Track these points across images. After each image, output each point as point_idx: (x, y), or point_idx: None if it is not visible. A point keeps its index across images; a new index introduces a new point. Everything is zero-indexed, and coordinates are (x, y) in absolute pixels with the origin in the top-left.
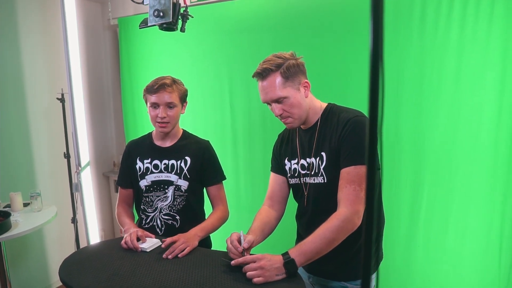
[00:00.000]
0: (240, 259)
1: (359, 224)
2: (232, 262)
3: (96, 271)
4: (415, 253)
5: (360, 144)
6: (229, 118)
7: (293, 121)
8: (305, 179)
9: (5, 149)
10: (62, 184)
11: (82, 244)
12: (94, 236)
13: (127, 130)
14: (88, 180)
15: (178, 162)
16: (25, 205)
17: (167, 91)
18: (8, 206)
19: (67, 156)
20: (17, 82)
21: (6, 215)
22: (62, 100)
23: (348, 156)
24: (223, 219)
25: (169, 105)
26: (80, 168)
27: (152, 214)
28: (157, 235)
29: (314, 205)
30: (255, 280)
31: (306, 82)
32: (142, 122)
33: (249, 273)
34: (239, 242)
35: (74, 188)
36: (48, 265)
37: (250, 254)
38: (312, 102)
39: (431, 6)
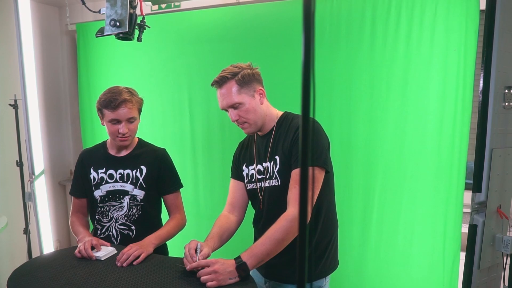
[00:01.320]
0: (194, 264)
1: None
2: (188, 267)
3: (47, 280)
4: (367, 256)
5: (310, 146)
6: (188, 126)
7: (249, 126)
8: (261, 184)
9: None
10: (13, 193)
11: (35, 256)
12: (48, 247)
13: (85, 137)
14: (42, 189)
15: (134, 171)
16: None
17: (127, 107)
18: None
19: (19, 164)
20: None
21: None
22: (15, 106)
23: (297, 158)
24: (180, 227)
25: (130, 120)
26: (33, 177)
27: (108, 224)
28: (112, 245)
29: (269, 209)
30: (209, 284)
31: (261, 89)
32: (100, 130)
33: (203, 278)
34: (196, 251)
35: (27, 197)
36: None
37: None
38: (268, 110)
39: (380, 19)
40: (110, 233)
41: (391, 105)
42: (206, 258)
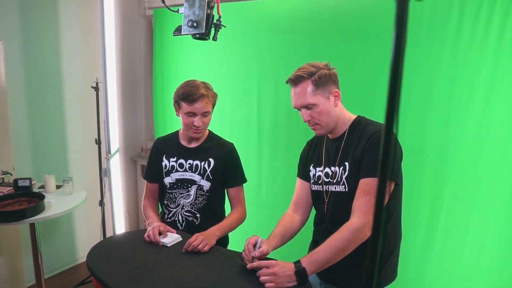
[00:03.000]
0: (255, 264)
1: (369, 235)
2: (248, 265)
3: (120, 262)
4: (429, 266)
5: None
6: (255, 118)
7: (320, 128)
8: (328, 187)
9: (41, 132)
10: (92, 168)
11: (108, 225)
12: (119, 218)
13: (156, 118)
14: (116, 166)
15: (202, 163)
16: (58, 187)
17: (204, 101)
18: (42, 187)
19: (98, 142)
20: (56, 70)
21: (41, 197)
22: (96, 88)
23: (368, 167)
24: (241, 220)
25: (204, 114)
26: (110, 155)
27: (175, 210)
28: (178, 230)
29: (334, 213)
30: (268, 285)
31: (337, 91)
32: (171, 112)
33: (262, 278)
34: (255, 246)
35: (103, 173)
36: (75, 242)
37: (267, 259)
38: (341, 113)
39: (468, 18)
40: (176, 219)
41: (472, 110)
42: (264, 255)
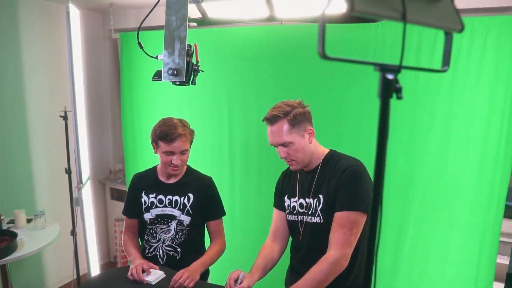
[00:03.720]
0: None
1: (346, 266)
2: None
3: None
4: (398, 283)
5: (355, 191)
6: (226, 140)
7: (296, 163)
8: (302, 217)
9: (5, 165)
10: (62, 198)
11: (81, 254)
12: (92, 246)
13: (126, 140)
14: (87, 192)
15: (182, 198)
16: (28, 221)
17: (182, 140)
18: (12, 222)
19: (68, 172)
20: (19, 99)
21: (12, 235)
22: (65, 117)
23: (342, 201)
24: (221, 252)
25: (183, 152)
26: (81, 184)
27: (155, 245)
28: (159, 265)
29: (309, 242)
30: None
31: (311, 129)
32: (140, 134)
33: None
34: (236, 282)
35: (74, 202)
36: (45, 269)
37: None
38: (315, 148)
39: (426, 48)
40: (157, 253)
41: (433, 135)
42: None
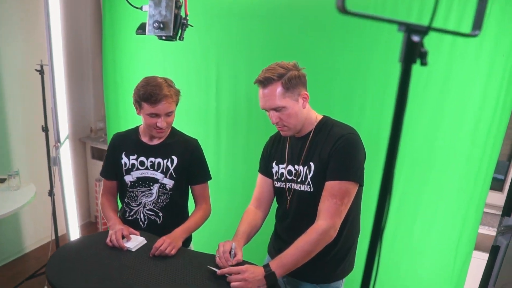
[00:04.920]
0: (226, 270)
1: (335, 236)
2: (218, 272)
3: (84, 272)
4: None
5: (348, 160)
6: (213, 101)
7: (288, 129)
8: (291, 185)
9: None
10: (38, 157)
11: (59, 215)
12: (71, 207)
13: (107, 97)
14: (66, 151)
15: (165, 161)
16: (1, 181)
17: (167, 102)
18: None
19: (45, 129)
20: None
21: None
22: (41, 72)
23: (335, 170)
24: (206, 218)
25: (168, 114)
26: (59, 144)
27: (136, 208)
28: (140, 230)
29: (297, 210)
30: None
31: (306, 94)
32: (123, 91)
33: (233, 284)
34: (230, 253)
35: (52, 162)
36: (22, 231)
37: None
38: (308, 113)
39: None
40: (138, 217)
41: (428, 102)
42: (239, 263)
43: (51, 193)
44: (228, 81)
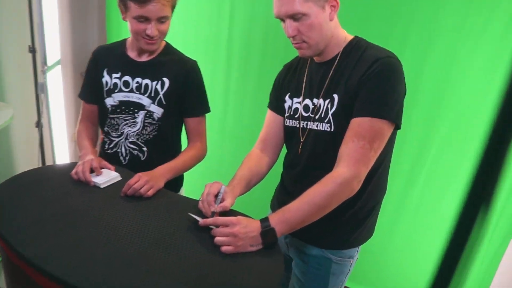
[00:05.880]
0: (210, 220)
1: (357, 190)
2: (200, 222)
3: (31, 208)
4: (403, 220)
5: (384, 92)
6: (225, 33)
7: (307, 47)
8: (306, 123)
9: None
10: (26, 82)
11: (47, 149)
12: (62, 142)
13: (110, 29)
14: (58, 81)
15: (154, 83)
16: None
17: (160, 3)
18: None
19: (32, 50)
20: None
21: None
22: None
23: (365, 103)
24: (199, 158)
25: (161, 20)
26: (46, 67)
27: (117, 140)
28: (119, 165)
29: (310, 156)
30: (224, 248)
31: (335, 0)
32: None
33: (217, 239)
34: (217, 197)
35: (39, 88)
36: (14, 166)
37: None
38: (336, 29)
39: None
40: (118, 150)
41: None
42: (226, 210)
43: (38, 124)
44: (244, 8)
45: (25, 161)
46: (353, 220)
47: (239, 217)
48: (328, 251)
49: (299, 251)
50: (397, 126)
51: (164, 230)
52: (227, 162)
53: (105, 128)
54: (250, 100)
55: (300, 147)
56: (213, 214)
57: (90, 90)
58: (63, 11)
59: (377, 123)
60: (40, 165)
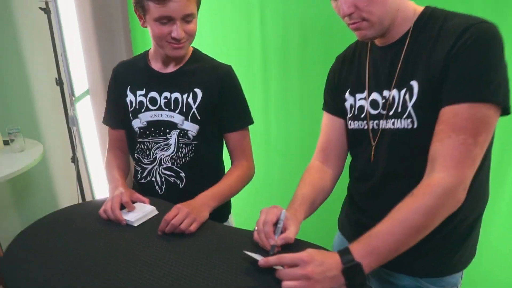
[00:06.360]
0: (273, 259)
1: (464, 199)
2: (260, 261)
3: (52, 254)
4: None
5: (484, 67)
6: (258, 36)
7: (369, 26)
8: (377, 123)
9: None
10: (57, 118)
11: (85, 184)
12: (98, 175)
13: (136, 46)
14: (88, 111)
15: (185, 96)
16: (5, 143)
17: None
18: None
19: (59, 82)
20: None
21: None
22: (47, 10)
23: (460, 85)
24: (246, 179)
25: (187, 19)
26: (74, 98)
27: (150, 167)
28: (156, 195)
29: (389, 164)
30: None
31: None
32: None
33: (286, 284)
34: (277, 226)
35: (70, 122)
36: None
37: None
38: (402, 1)
39: None
40: (152, 179)
41: None
42: (290, 243)
43: (74, 159)
44: (275, 5)
45: (66, 197)
46: (454, 237)
47: (310, 250)
48: (425, 279)
49: (384, 281)
50: (506, 111)
51: (216, 276)
52: (276, 181)
53: (136, 155)
54: (294, 106)
55: (373, 153)
56: (273, 248)
57: (114, 114)
58: (87, 38)
59: (479, 110)
60: (80, 201)
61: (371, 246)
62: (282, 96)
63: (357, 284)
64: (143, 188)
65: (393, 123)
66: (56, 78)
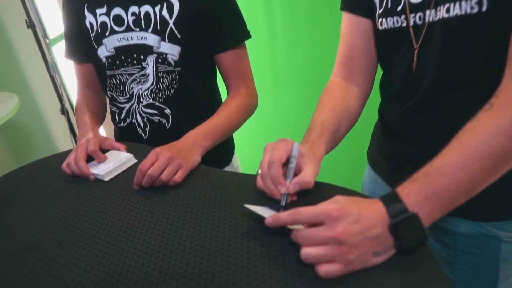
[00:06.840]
0: (285, 217)
1: None
2: (268, 219)
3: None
4: None
5: None
6: None
7: None
8: (421, 16)
9: None
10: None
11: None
12: None
13: None
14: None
15: (157, 8)
16: None
17: None
18: None
19: (30, 24)
20: None
21: None
22: None
23: None
24: (247, 110)
25: None
26: (48, 41)
27: (127, 106)
28: (139, 139)
29: (438, 72)
30: (324, 270)
31: None
32: None
33: (307, 252)
34: (288, 167)
35: (51, 69)
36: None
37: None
38: None
39: None
40: (133, 120)
41: None
42: (308, 188)
43: (63, 111)
44: None
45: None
46: None
47: (339, 198)
48: (490, 224)
49: (438, 228)
50: None
51: (208, 242)
52: (284, 117)
53: (109, 93)
54: (303, 34)
55: (415, 60)
56: (285, 198)
57: (76, 44)
58: None
59: None
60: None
61: (432, 188)
62: (288, 24)
63: (412, 245)
64: (125, 132)
65: (448, 10)
66: (25, 20)
